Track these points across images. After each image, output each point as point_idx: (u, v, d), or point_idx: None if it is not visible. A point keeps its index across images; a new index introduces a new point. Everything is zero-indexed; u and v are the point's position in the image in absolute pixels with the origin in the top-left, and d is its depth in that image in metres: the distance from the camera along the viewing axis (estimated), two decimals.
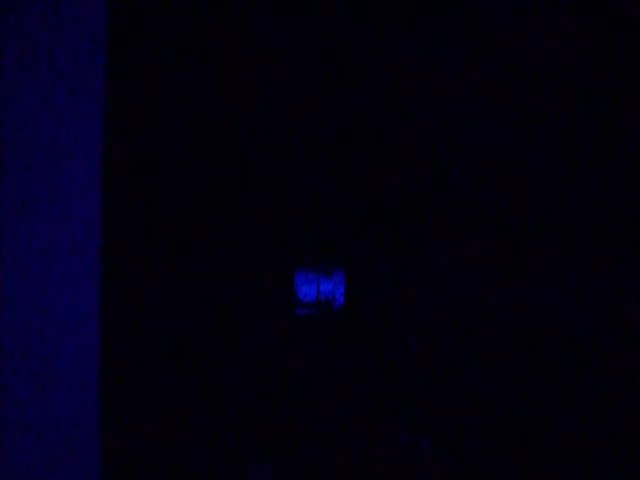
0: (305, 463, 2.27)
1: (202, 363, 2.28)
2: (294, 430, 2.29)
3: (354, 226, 2.32)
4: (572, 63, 2.07)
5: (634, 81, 2.15)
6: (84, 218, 1.99)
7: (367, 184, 2.33)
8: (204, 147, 2.33)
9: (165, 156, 2.28)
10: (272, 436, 2.28)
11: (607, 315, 2.22)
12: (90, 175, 1.98)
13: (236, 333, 2.31)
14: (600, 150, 2.22)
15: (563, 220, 2.25)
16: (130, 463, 2.21)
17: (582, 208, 2.23)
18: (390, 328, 2.29)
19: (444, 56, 2.01)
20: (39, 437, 1.94)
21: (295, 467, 2.27)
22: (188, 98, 2.29)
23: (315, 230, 2.32)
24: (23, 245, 1.92)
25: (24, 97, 1.82)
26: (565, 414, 2.23)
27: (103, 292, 2.18)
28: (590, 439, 2.22)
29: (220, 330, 2.30)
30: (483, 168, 2.28)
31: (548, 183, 2.24)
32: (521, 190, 2.26)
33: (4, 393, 1.89)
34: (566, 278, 2.25)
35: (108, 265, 2.20)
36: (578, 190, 2.22)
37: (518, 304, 2.27)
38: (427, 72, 2.22)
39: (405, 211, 2.31)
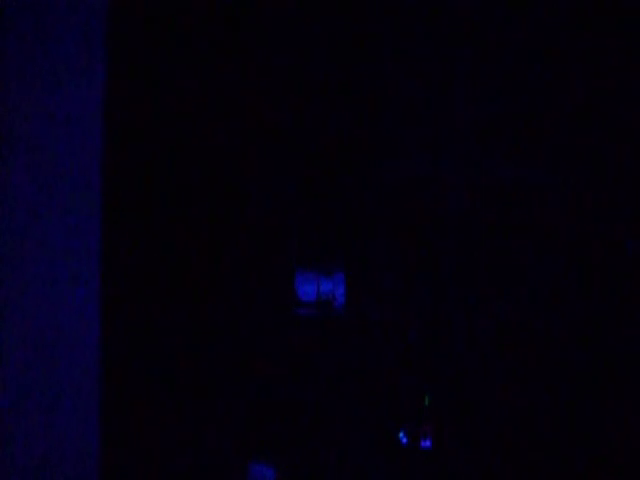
0: (305, 463, 2.27)
1: (202, 363, 2.29)
2: (294, 430, 2.29)
3: (354, 226, 2.33)
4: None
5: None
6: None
7: (367, 184, 2.34)
8: (206, 144, 2.35)
9: (167, 155, 2.30)
10: (272, 436, 2.28)
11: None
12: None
13: (236, 332, 2.32)
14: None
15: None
16: (130, 463, 2.21)
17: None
18: (390, 327, 2.30)
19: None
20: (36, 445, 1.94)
21: (295, 467, 2.27)
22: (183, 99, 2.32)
23: (315, 230, 2.34)
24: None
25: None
26: (563, 414, 2.23)
27: (102, 292, 2.19)
28: (589, 440, 2.22)
29: (220, 329, 2.31)
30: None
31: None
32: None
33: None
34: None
35: (107, 268, 2.21)
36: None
37: (516, 301, 2.28)
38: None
39: (405, 211, 2.33)
